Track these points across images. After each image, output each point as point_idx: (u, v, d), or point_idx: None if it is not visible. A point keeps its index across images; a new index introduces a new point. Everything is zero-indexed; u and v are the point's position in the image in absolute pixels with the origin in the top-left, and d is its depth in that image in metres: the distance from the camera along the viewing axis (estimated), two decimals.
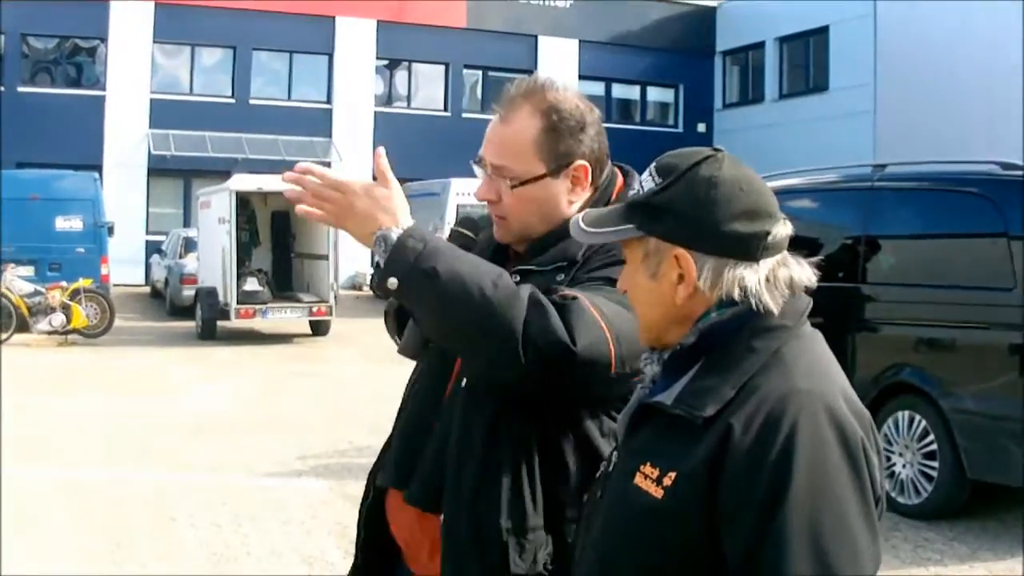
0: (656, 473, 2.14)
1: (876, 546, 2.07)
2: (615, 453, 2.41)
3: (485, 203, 3.08)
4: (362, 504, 3.29)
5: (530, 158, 2.95)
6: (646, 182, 2.28)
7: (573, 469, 2.79)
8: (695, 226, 2.20)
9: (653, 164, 2.30)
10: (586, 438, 2.81)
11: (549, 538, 2.78)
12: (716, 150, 2.28)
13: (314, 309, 23.98)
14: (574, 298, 2.69)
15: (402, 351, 3.28)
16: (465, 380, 2.90)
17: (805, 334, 2.25)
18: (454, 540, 2.83)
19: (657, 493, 2.13)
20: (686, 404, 2.15)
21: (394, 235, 2.72)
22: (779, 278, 2.22)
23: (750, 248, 2.20)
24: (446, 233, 3.22)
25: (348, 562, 8.13)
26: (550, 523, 2.79)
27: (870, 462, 2.10)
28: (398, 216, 2.77)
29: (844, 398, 2.14)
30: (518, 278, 2.82)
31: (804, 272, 2.27)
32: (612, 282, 2.59)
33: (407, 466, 3.01)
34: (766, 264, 2.22)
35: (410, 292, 2.72)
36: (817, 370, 2.18)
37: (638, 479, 2.17)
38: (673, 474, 2.11)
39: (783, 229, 2.24)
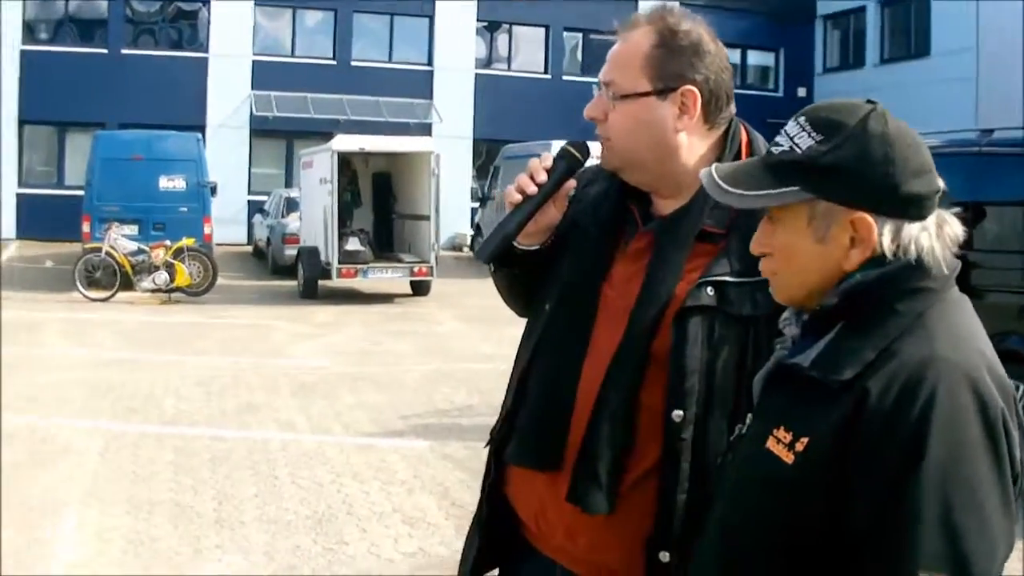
0: (789, 437, 2.08)
1: (1010, 525, 1.98)
2: (750, 415, 2.33)
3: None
4: (484, 480, 3.11)
5: (637, 73, 2.80)
6: (800, 139, 2.15)
7: None
8: (876, 188, 2.10)
9: (803, 118, 2.18)
10: None
11: None
12: (872, 103, 2.16)
13: (415, 269, 24.04)
14: None
15: (477, 255, 3.07)
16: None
17: (952, 298, 2.16)
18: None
19: (788, 459, 2.06)
20: (823, 367, 2.08)
21: None
22: (946, 235, 2.14)
23: (924, 206, 2.12)
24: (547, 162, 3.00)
25: (450, 524, 8.24)
26: None
27: (1010, 438, 2.00)
28: None
29: (987, 368, 2.05)
30: (711, 290, 2.68)
31: (959, 228, 2.17)
32: None
33: (546, 447, 2.83)
34: (931, 221, 2.13)
35: None
36: (961, 337, 2.09)
37: (770, 443, 2.11)
38: (806, 439, 2.05)
39: (941, 183, 2.16)
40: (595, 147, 2.95)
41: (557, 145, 20.68)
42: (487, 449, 3.12)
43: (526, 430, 2.93)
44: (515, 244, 2.97)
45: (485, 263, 3.02)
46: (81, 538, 8.02)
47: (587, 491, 2.71)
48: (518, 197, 2.92)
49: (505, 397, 3.07)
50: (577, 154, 2.96)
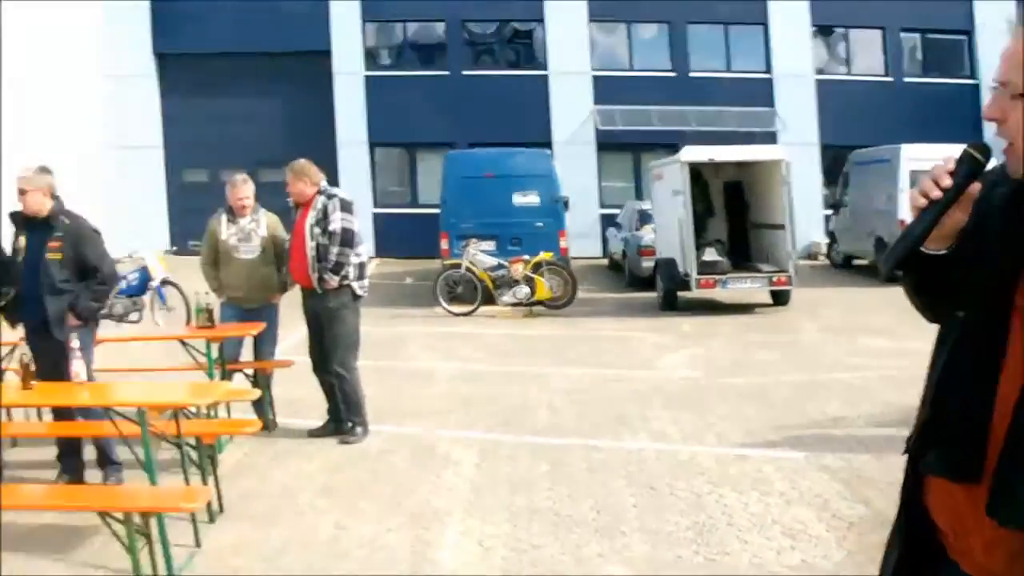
0: None
1: None
2: None
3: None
4: (902, 489, 3.07)
5: None
6: None
7: None
8: None
9: None
10: None
11: None
12: None
13: (774, 279, 23.62)
14: None
15: (884, 261, 3.04)
16: None
17: None
18: None
19: None
20: None
21: None
22: None
23: None
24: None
25: (832, 536, 8.09)
26: None
27: None
28: None
29: None
30: None
31: None
32: None
33: (964, 459, 2.78)
34: None
35: None
36: None
37: None
38: None
39: None
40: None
41: (908, 148, 20.20)
42: (904, 458, 3.09)
43: (944, 441, 2.89)
44: (922, 249, 2.90)
45: (892, 269, 2.98)
46: (465, 544, 8.22)
47: (1007, 504, 2.64)
48: (923, 202, 2.84)
49: (920, 406, 3.02)
50: (979, 156, 2.86)
